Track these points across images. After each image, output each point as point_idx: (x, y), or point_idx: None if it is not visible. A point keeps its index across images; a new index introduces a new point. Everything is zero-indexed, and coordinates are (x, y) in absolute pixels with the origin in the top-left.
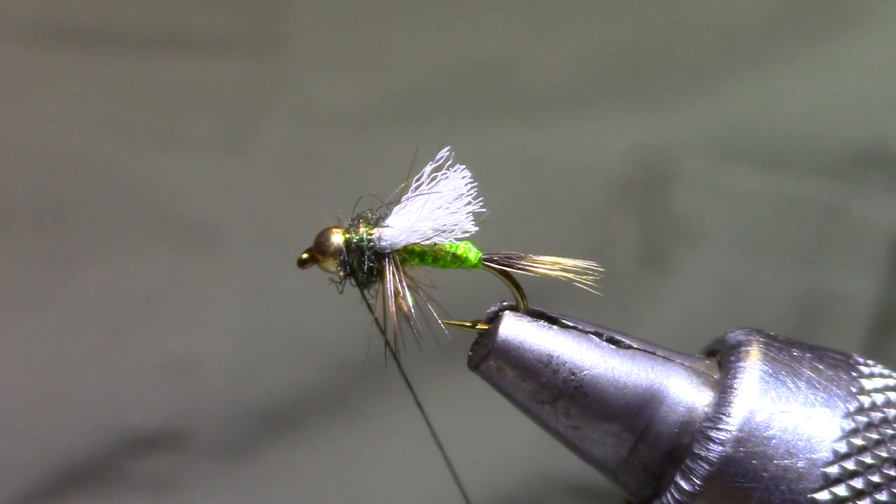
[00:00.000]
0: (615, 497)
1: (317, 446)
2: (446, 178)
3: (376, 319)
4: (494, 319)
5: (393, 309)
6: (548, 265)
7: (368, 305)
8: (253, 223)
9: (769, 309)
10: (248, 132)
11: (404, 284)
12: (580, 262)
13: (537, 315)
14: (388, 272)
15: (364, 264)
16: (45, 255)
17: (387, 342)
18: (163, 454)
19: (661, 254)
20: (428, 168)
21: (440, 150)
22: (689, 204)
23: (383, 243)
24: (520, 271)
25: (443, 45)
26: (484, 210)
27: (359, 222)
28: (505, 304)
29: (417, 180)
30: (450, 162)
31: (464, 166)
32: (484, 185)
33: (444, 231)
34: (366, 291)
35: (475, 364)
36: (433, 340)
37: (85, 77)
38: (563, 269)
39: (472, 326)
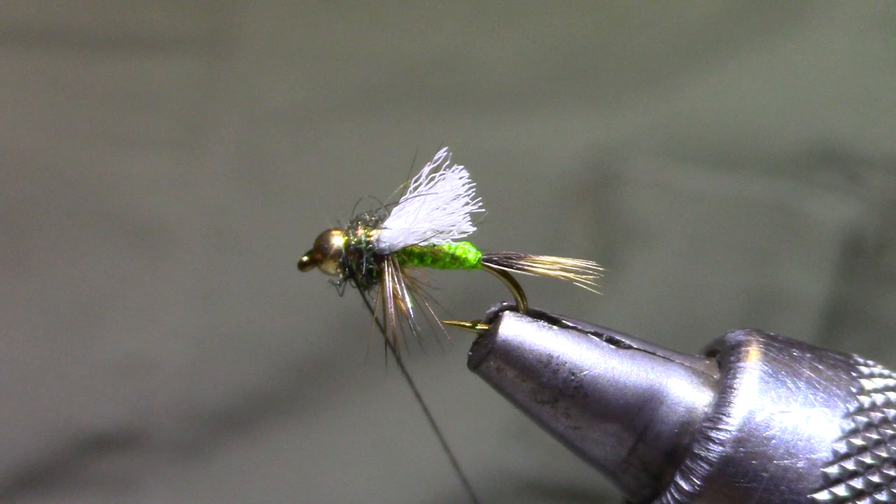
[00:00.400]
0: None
1: (272, 445)
2: (444, 178)
3: (377, 320)
4: (494, 320)
5: (392, 310)
6: (547, 265)
7: (369, 307)
8: (205, 222)
9: (720, 307)
10: (200, 131)
11: (403, 285)
12: (580, 262)
13: (537, 315)
14: (387, 273)
15: (363, 266)
16: (4, 255)
17: (387, 341)
18: (118, 455)
19: (611, 253)
20: (426, 169)
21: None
22: (640, 203)
23: (382, 245)
24: (519, 271)
25: (393, 42)
26: (483, 210)
27: (357, 224)
28: (505, 304)
29: (416, 181)
30: (447, 162)
31: (462, 167)
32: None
33: (441, 232)
34: (366, 293)
35: (475, 364)
36: (433, 340)
37: (35, 76)
38: (562, 269)
39: (472, 327)
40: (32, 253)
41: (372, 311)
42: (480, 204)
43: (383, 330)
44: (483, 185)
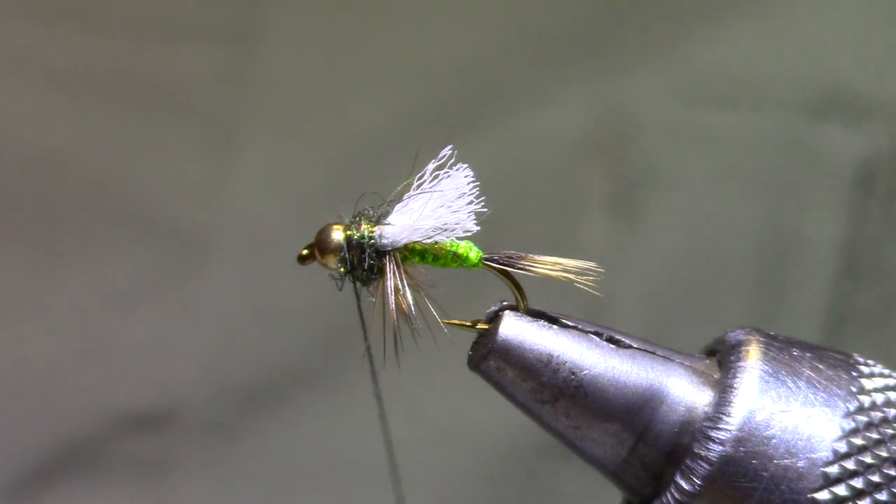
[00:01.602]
0: None
1: (303, 422)
2: (448, 176)
3: (362, 319)
4: (494, 319)
5: (393, 306)
6: (548, 265)
7: (359, 304)
8: (237, 220)
9: (738, 248)
10: (233, 132)
11: (404, 282)
12: (581, 263)
13: (537, 315)
14: (388, 270)
15: (364, 261)
16: (35, 253)
17: (367, 349)
18: (151, 434)
19: (628, 201)
20: (430, 166)
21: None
22: (656, 148)
23: (384, 241)
24: (520, 271)
25: (427, 43)
26: (486, 210)
27: (360, 219)
28: (505, 303)
29: (419, 178)
30: (452, 160)
31: (466, 165)
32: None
33: (445, 230)
34: (364, 289)
35: (475, 364)
36: (432, 338)
37: (70, 73)
38: (563, 270)
39: (473, 326)
40: (70, 248)
41: (360, 309)
42: (483, 203)
43: (364, 327)
44: (501, 152)
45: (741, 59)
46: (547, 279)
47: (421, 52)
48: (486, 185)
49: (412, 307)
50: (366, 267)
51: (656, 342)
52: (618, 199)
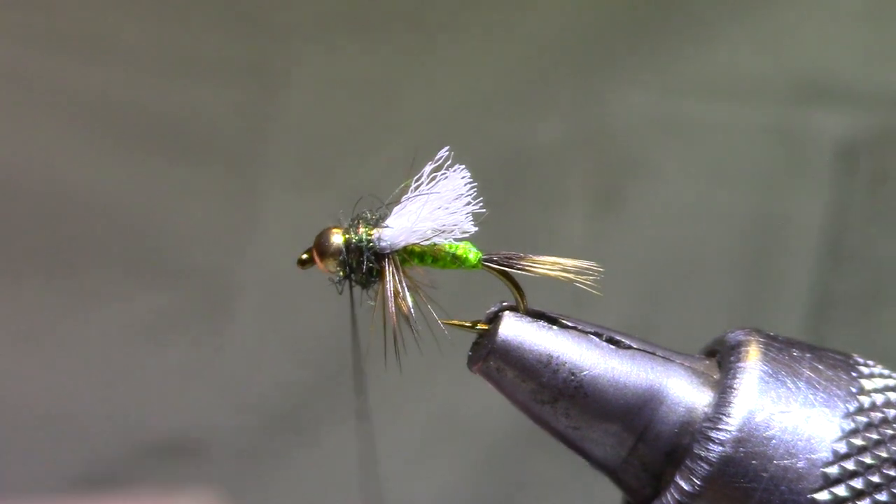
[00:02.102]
0: None
1: (327, 446)
2: (445, 178)
3: (353, 323)
4: (494, 320)
5: (392, 309)
6: (547, 265)
7: (353, 309)
8: (261, 251)
9: (722, 235)
10: (253, 172)
11: (404, 285)
12: (580, 263)
13: (537, 315)
14: (387, 272)
15: (363, 264)
16: (66, 288)
17: (355, 349)
18: (178, 464)
19: (611, 190)
20: (427, 168)
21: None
22: (636, 139)
23: (383, 244)
24: (519, 271)
25: (437, 72)
26: (483, 210)
27: (358, 222)
28: (504, 304)
29: (417, 181)
30: (449, 162)
31: (463, 166)
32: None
33: (444, 231)
34: (364, 292)
35: (475, 364)
36: (432, 340)
37: (92, 112)
38: (563, 270)
39: (472, 327)
40: (99, 284)
41: (353, 315)
42: (481, 204)
43: (353, 332)
44: (483, 158)
45: (723, 49)
46: (541, 278)
47: (443, 90)
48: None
49: (412, 309)
50: (364, 270)
51: (652, 339)
52: (600, 189)
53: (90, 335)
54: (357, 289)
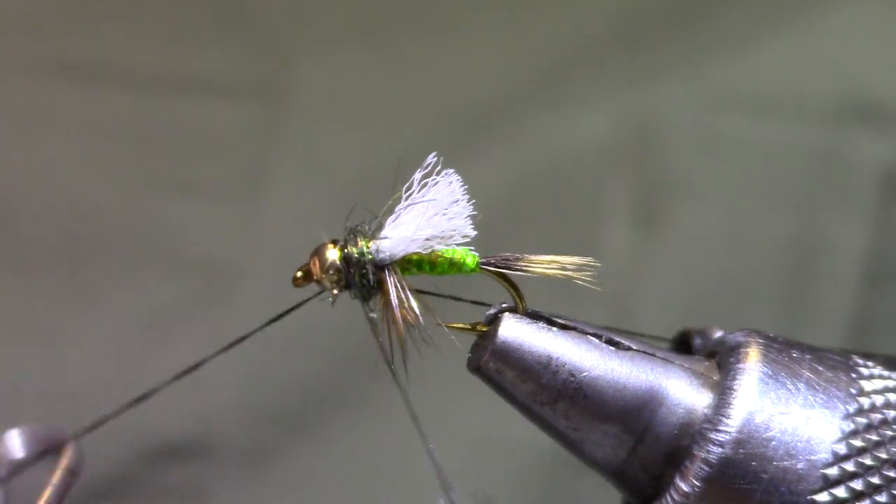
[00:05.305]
0: None
1: (339, 445)
2: (436, 184)
3: (376, 336)
4: (494, 321)
5: (399, 320)
6: (545, 264)
7: (371, 324)
8: (265, 250)
9: (763, 255)
10: (260, 177)
11: (408, 294)
12: (577, 260)
13: (537, 317)
14: (389, 283)
15: (366, 277)
16: (70, 287)
17: (386, 360)
18: (186, 464)
19: (653, 209)
20: (417, 175)
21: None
22: (680, 157)
23: (382, 255)
24: (518, 272)
25: (443, 89)
26: (477, 213)
27: (355, 236)
28: (504, 305)
29: (407, 189)
30: (438, 167)
31: (452, 170)
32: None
33: (443, 237)
34: (367, 304)
35: (475, 366)
36: (435, 346)
37: (103, 121)
38: (560, 267)
39: (472, 328)
40: (101, 285)
41: (375, 326)
42: (474, 207)
43: (378, 339)
44: (526, 166)
45: (767, 69)
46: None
47: (446, 89)
48: (511, 191)
49: (419, 317)
50: (365, 283)
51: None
52: (642, 207)
53: (95, 328)
54: (366, 304)
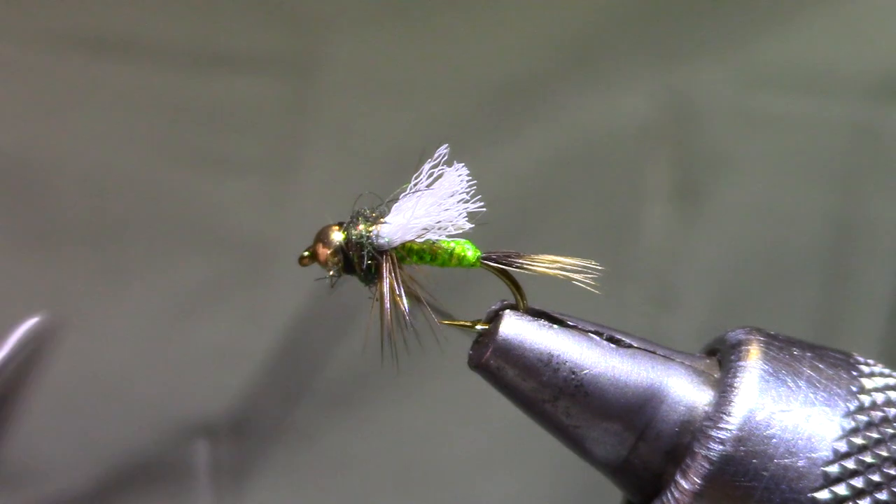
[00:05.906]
0: None
1: (378, 422)
2: (443, 175)
3: (380, 315)
4: (495, 319)
5: (389, 305)
6: (546, 263)
7: (377, 300)
8: (298, 227)
9: (803, 233)
10: (291, 152)
11: (400, 282)
12: (579, 261)
13: (537, 314)
14: (384, 269)
15: (363, 261)
16: (103, 266)
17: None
18: (223, 442)
19: (693, 187)
20: (426, 166)
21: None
22: (720, 135)
23: (381, 240)
24: (518, 270)
25: (473, 65)
26: (483, 209)
27: (358, 219)
28: (505, 302)
29: (417, 178)
30: (446, 158)
31: (462, 164)
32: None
33: (438, 227)
34: (368, 288)
35: (476, 363)
36: (433, 338)
37: (135, 97)
38: (561, 268)
39: (473, 326)
40: (135, 262)
41: (381, 305)
42: (479, 202)
43: (382, 323)
44: (565, 143)
45: (807, 45)
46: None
47: (479, 66)
48: (549, 169)
49: (407, 308)
50: (364, 266)
51: (667, 339)
52: (682, 185)
53: (129, 305)
54: (368, 287)
